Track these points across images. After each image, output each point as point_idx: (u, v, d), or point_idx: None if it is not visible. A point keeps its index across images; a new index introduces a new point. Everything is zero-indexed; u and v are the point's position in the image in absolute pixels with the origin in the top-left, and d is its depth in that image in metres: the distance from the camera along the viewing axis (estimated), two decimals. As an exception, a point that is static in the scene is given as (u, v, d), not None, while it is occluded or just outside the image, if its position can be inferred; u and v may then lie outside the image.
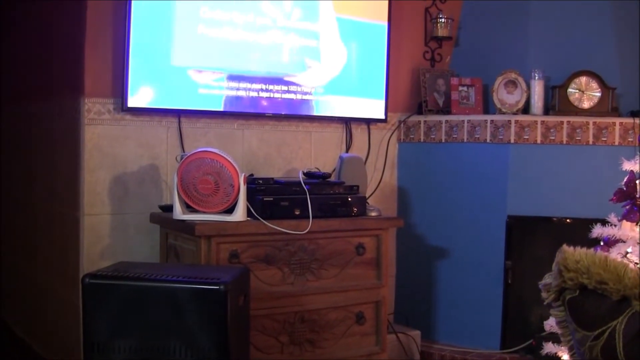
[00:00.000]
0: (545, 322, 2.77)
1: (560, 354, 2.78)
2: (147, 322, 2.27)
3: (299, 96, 3.48)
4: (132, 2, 3.02)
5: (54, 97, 3.55)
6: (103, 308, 2.27)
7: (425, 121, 3.88)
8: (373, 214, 3.22)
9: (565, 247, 1.62)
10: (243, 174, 2.83)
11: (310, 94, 3.51)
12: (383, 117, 3.77)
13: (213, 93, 3.24)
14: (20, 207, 4.21)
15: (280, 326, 2.92)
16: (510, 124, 3.61)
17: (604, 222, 2.74)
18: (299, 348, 2.97)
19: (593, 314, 1.47)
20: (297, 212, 2.95)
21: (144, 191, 3.20)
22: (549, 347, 2.83)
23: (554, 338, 2.74)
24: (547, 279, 1.58)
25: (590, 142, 3.58)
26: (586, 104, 3.68)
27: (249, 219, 2.86)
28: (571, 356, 1.53)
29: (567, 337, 1.52)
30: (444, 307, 3.82)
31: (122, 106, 3.09)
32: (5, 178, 4.53)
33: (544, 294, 1.59)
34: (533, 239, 3.65)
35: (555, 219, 3.62)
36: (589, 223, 2.76)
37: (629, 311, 1.40)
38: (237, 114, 3.37)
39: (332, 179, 3.31)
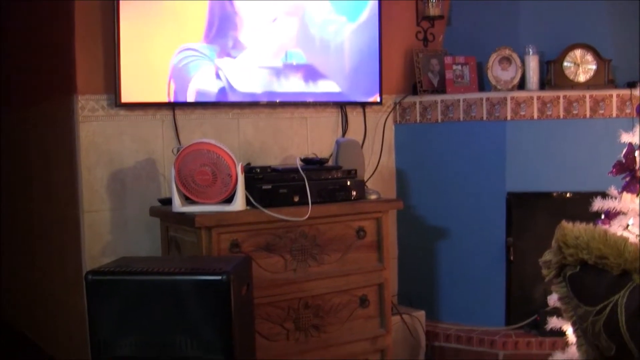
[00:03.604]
0: (548, 297, 2.77)
1: (564, 328, 2.79)
2: (152, 316, 2.26)
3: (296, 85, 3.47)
4: (120, -5, 3.01)
5: (47, 97, 3.54)
6: (107, 304, 2.27)
7: (420, 102, 3.87)
8: (372, 197, 3.22)
9: (564, 223, 1.62)
10: (240, 164, 2.82)
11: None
12: (378, 99, 3.76)
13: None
14: (20, 209, 4.21)
15: (284, 313, 2.93)
16: (506, 100, 3.60)
17: (604, 195, 2.73)
18: (304, 334, 2.98)
19: (594, 289, 1.47)
20: (296, 199, 2.95)
21: (142, 186, 3.19)
22: (553, 322, 2.84)
23: (558, 313, 2.75)
24: (547, 255, 1.58)
25: (588, 116, 3.57)
26: (582, 78, 3.67)
27: (248, 208, 2.86)
28: (574, 332, 1.53)
29: (569, 312, 1.52)
30: (448, 286, 3.83)
31: (115, 102, 3.07)
32: (3, 182, 4.52)
33: (544, 271, 1.59)
34: (533, 215, 3.65)
35: (555, 194, 3.62)
36: (589, 197, 2.76)
37: (630, 285, 1.40)
38: (231, 104, 3.36)
39: (330, 164, 3.30)
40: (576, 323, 1.50)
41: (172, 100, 3.16)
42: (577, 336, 1.53)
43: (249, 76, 3.34)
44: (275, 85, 3.42)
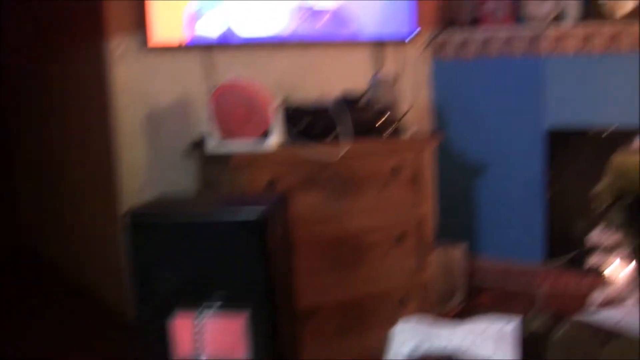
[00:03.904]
0: (588, 235, 2.73)
1: (603, 266, 2.76)
2: (191, 255, 2.27)
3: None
4: None
5: (77, 42, 3.51)
6: (145, 242, 2.28)
7: (455, 38, 3.78)
8: (408, 133, 3.18)
9: (618, 154, 1.59)
10: (275, 102, 2.79)
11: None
12: (413, 35, 3.68)
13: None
14: (54, 155, 4.24)
15: (322, 251, 2.94)
16: (544, 35, 3.49)
17: (647, 131, 2.67)
18: (343, 271, 2.99)
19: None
20: (331, 137, 2.92)
21: (177, 126, 3.18)
22: (592, 259, 2.81)
23: (597, 250, 2.72)
24: (600, 187, 1.55)
25: (630, 50, 3.46)
26: (623, 10, 3.54)
27: (283, 146, 2.84)
28: (632, 258, 1.52)
29: (627, 240, 1.50)
30: (486, 223, 3.80)
31: (147, 42, 3.03)
32: (34, 134, 4.55)
33: (598, 201, 1.57)
34: (573, 151, 3.58)
35: (595, 130, 3.54)
36: (631, 134, 2.69)
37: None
38: (265, 42, 3.31)
39: (365, 101, 3.25)
40: (636, 250, 1.48)
41: (189, 42, 3.11)
42: (638, 262, 1.51)
43: (276, 13, 3.28)
44: (303, 25, 3.34)
